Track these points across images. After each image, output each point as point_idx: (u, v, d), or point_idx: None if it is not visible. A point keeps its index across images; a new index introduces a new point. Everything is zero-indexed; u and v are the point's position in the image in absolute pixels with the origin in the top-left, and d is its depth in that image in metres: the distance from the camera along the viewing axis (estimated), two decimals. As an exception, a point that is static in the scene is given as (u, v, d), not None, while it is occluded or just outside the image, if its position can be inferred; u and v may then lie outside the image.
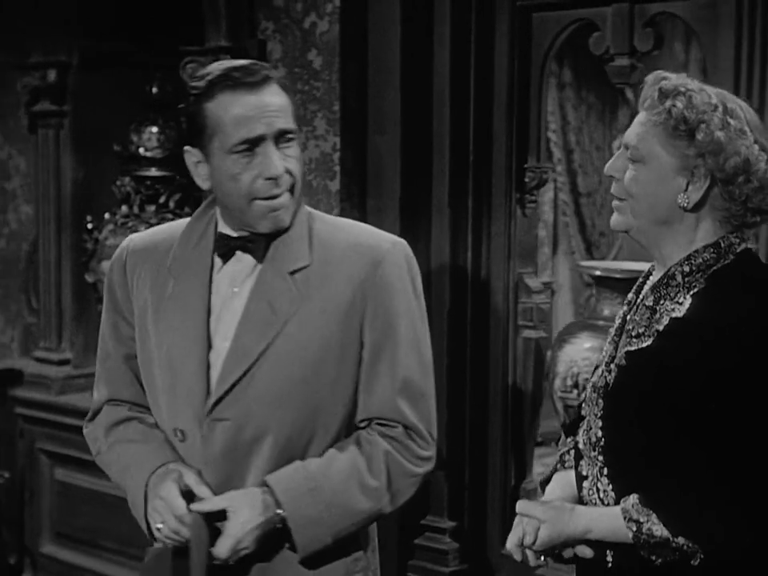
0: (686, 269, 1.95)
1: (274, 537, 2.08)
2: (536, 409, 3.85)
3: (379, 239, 2.19)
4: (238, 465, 2.12)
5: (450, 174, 3.63)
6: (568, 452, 2.15)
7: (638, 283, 2.11)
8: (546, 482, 2.16)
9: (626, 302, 2.10)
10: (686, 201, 1.92)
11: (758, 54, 3.04)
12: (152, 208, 4.32)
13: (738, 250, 1.95)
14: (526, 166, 3.63)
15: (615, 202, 2.00)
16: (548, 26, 3.58)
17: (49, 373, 4.66)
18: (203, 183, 2.15)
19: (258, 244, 2.14)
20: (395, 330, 2.14)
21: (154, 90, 4.41)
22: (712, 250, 1.94)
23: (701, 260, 1.94)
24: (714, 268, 1.94)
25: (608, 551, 1.95)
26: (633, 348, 1.96)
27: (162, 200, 4.33)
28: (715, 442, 1.86)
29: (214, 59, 3.78)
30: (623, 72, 3.38)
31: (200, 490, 2.09)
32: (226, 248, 2.16)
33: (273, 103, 2.08)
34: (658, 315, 1.95)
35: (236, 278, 2.15)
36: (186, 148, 2.14)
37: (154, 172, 4.36)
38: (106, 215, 4.42)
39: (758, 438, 1.85)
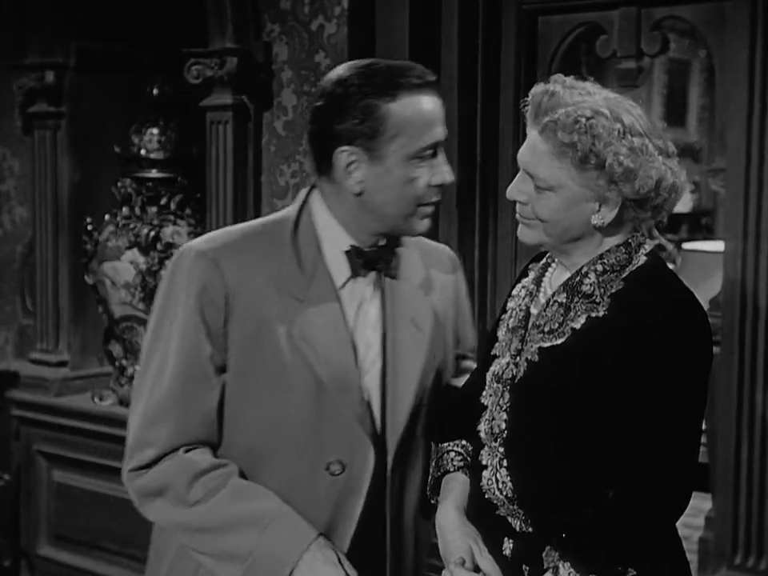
0: (599, 268, 1.97)
1: None
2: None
3: (437, 243, 2.30)
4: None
5: (457, 176, 3.61)
6: (448, 453, 2.13)
7: (534, 274, 2.11)
8: (435, 488, 2.13)
9: (523, 292, 2.11)
10: (601, 221, 1.94)
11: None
12: (153, 209, 4.30)
13: (647, 251, 1.99)
14: (532, 167, 3.66)
15: (523, 219, 2.01)
16: (554, 29, 3.61)
17: (46, 374, 4.65)
18: (355, 186, 1.99)
19: (390, 257, 2.08)
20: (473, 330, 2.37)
21: (155, 91, 4.39)
22: (623, 249, 1.98)
23: (614, 260, 1.97)
24: (629, 269, 1.97)
25: None
26: (546, 344, 1.97)
27: (163, 201, 4.31)
28: (633, 436, 1.88)
29: (218, 61, 3.81)
30: (630, 75, 3.43)
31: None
32: (362, 263, 2.06)
33: (442, 107, 2.05)
34: (572, 313, 1.96)
35: (360, 293, 2.08)
36: (344, 148, 1.97)
37: (155, 173, 4.34)
38: (107, 216, 4.40)
39: (677, 433, 1.89)
